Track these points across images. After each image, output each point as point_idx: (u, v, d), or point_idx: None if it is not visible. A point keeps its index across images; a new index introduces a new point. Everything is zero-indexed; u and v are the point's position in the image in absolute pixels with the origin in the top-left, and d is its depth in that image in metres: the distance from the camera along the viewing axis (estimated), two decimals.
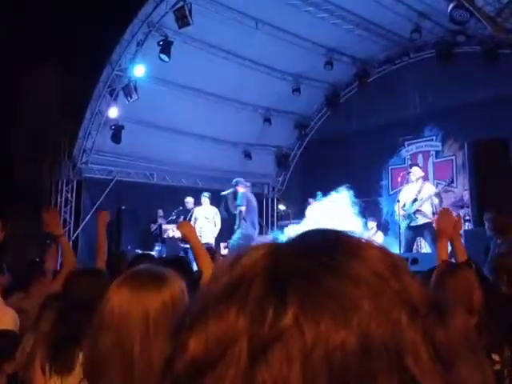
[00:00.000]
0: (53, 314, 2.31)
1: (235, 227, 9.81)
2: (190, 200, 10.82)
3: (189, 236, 2.89)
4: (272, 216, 14.12)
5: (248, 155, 13.16)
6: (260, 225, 11.26)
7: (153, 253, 9.70)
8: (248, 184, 10.19)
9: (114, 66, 10.43)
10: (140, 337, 1.23)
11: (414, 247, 9.02)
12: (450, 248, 3.19)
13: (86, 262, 7.69)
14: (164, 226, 10.85)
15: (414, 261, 6.74)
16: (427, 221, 8.44)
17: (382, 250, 0.47)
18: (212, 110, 11.52)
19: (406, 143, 11.83)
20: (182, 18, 9.31)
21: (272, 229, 13.38)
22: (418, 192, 8.68)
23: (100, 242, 3.54)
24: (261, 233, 11.56)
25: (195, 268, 3.31)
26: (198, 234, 3.35)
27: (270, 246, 0.47)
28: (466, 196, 9.16)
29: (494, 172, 7.91)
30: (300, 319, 0.40)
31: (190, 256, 5.75)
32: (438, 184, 9.72)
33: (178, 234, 8.84)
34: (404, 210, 8.69)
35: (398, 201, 8.89)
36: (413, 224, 8.57)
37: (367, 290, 0.42)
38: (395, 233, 9.76)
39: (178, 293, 1.31)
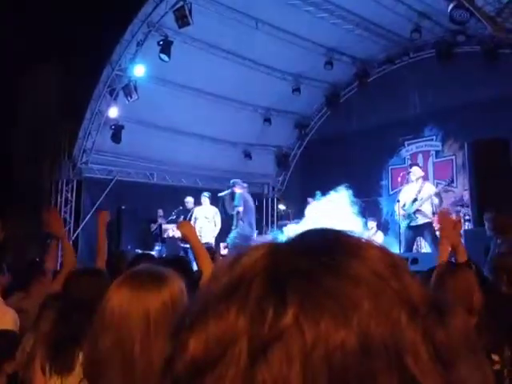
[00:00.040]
0: (53, 314, 2.31)
1: (233, 228, 9.84)
2: (189, 200, 10.82)
3: (189, 236, 2.89)
4: (272, 216, 14.12)
5: (248, 155, 13.16)
6: (260, 225, 11.26)
7: (153, 253, 9.70)
8: (245, 185, 10.23)
9: (113, 65, 10.43)
10: (140, 337, 1.23)
11: (414, 247, 9.02)
12: (449, 248, 3.20)
13: (86, 261, 7.69)
14: (164, 226, 10.85)
15: (414, 261, 6.74)
16: (427, 221, 8.45)
17: (382, 250, 0.47)
18: (212, 110, 11.52)
19: (406, 143, 11.84)
20: (182, 18, 9.31)
21: (272, 228, 13.37)
22: (418, 192, 8.68)
23: (100, 241, 3.53)
24: (260, 233, 11.58)
25: (195, 268, 3.31)
26: (197, 233, 3.35)
27: (269, 245, 0.47)
28: (466, 196, 9.16)
29: (494, 172, 7.91)
30: (300, 319, 0.40)
31: (190, 256, 5.75)
32: (438, 184, 9.72)
33: (178, 234, 8.83)
34: (404, 210, 8.69)
35: (398, 201, 8.89)
36: (413, 224, 8.57)
37: (367, 289, 0.42)
38: (395, 233, 9.76)
39: (178, 293, 1.31)
